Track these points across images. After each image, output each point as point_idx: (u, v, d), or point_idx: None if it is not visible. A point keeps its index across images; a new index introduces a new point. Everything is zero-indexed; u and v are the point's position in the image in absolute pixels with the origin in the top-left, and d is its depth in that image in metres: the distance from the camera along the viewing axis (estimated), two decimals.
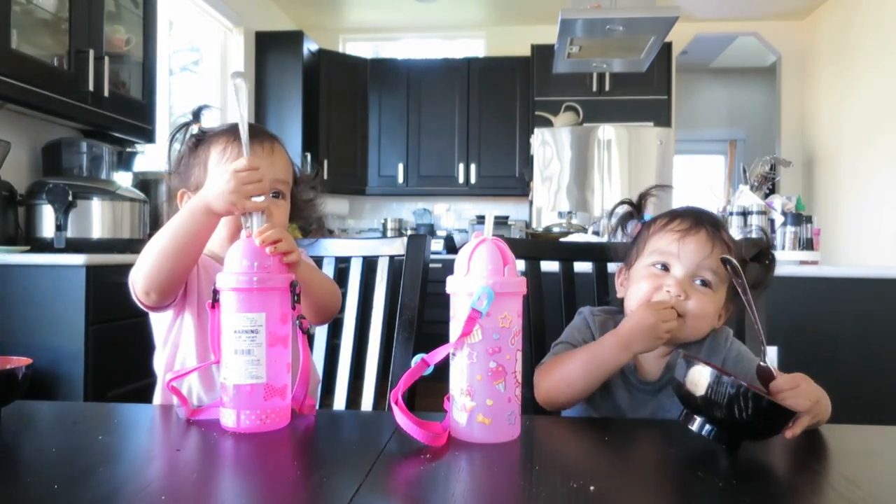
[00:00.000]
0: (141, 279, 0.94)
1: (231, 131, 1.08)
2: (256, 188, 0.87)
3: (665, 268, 1.02)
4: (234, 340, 0.81)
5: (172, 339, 1.05)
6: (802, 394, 0.80)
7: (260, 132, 1.09)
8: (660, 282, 1.01)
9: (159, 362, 1.07)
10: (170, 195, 1.11)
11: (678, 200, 1.17)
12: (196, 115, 1.10)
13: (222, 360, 0.82)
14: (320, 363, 1.28)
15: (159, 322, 1.08)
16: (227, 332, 0.82)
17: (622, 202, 1.15)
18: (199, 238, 0.93)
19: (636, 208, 1.14)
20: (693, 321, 1.00)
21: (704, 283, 1.01)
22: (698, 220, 1.04)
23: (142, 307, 0.98)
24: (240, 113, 0.87)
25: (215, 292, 0.83)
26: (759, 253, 1.09)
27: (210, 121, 1.13)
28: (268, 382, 0.81)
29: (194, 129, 1.10)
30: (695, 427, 0.76)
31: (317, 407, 1.23)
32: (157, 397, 1.07)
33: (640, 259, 1.06)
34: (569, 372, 0.99)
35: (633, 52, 3.50)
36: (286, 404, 0.84)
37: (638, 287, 1.02)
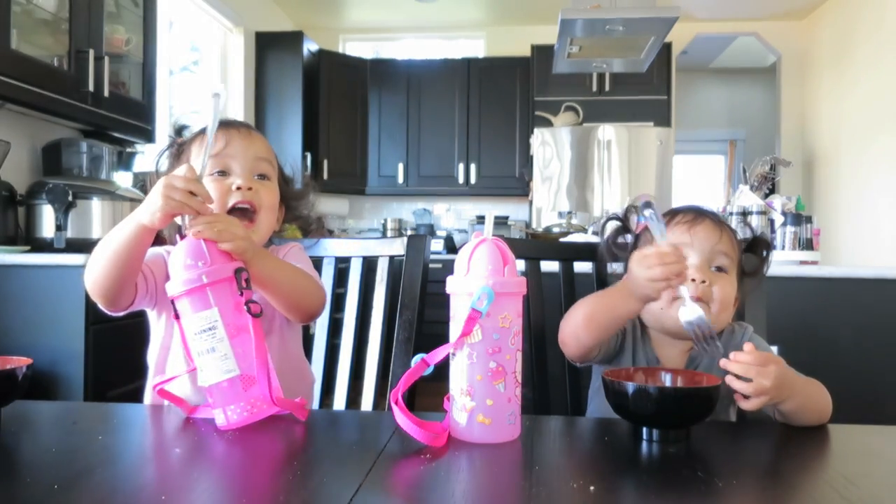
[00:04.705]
0: (87, 283, 0.94)
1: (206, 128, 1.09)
2: (183, 197, 0.84)
3: None
4: (198, 342, 0.81)
5: (161, 342, 1.06)
6: (762, 374, 0.81)
7: (235, 122, 1.10)
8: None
9: (150, 359, 1.08)
10: None
11: (678, 201, 1.18)
12: (178, 132, 1.12)
13: (196, 365, 0.83)
14: (320, 363, 1.28)
15: (151, 317, 1.09)
16: (190, 336, 0.82)
17: (609, 218, 1.16)
18: (134, 251, 0.91)
19: (624, 222, 1.15)
20: (719, 308, 1.01)
21: (719, 269, 1.03)
22: (699, 212, 1.07)
23: (102, 310, 0.99)
24: (212, 125, 0.87)
25: (172, 303, 0.83)
26: (755, 242, 1.13)
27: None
28: (242, 373, 0.81)
29: (177, 142, 1.12)
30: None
31: (315, 406, 1.23)
32: (147, 397, 1.08)
33: None
34: (583, 312, 0.99)
35: (633, 52, 3.50)
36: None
37: None
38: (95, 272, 0.92)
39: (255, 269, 0.88)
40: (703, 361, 1.03)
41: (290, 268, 1.02)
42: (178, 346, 1.05)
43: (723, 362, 0.84)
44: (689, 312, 0.91)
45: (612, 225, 1.16)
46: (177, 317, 0.84)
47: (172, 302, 0.83)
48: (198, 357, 0.82)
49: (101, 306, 0.97)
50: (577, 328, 0.99)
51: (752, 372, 0.82)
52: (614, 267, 1.16)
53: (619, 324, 0.97)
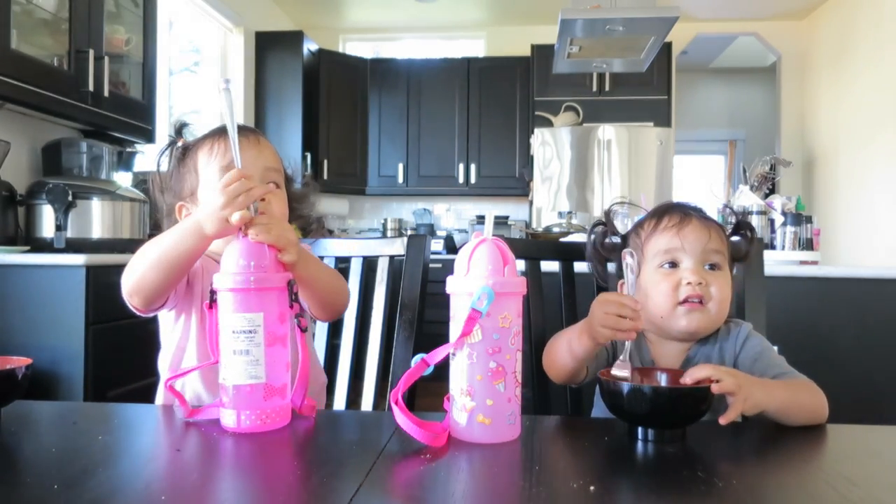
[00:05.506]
0: (127, 283, 0.95)
1: (215, 133, 1.09)
2: (247, 200, 0.85)
3: (673, 265, 1.04)
4: (233, 341, 0.81)
5: (178, 342, 1.06)
6: (717, 373, 0.81)
7: (243, 128, 1.10)
8: (676, 277, 1.02)
9: (163, 363, 1.07)
10: (165, 212, 1.12)
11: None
12: (178, 131, 1.12)
13: (221, 360, 0.82)
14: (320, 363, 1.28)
15: (164, 321, 1.08)
16: (224, 332, 0.81)
17: (597, 224, 1.16)
18: (188, 257, 0.92)
19: (607, 225, 1.15)
20: (717, 307, 1.01)
21: (713, 267, 1.03)
22: (685, 212, 1.07)
23: (131, 308, 0.99)
24: (230, 120, 0.86)
25: (212, 293, 0.83)
26: (738, 226, 1.15)
27: (193, 134, 1.14)
28: (267, 382, 0.81)
29: (179, 143, 1.11)
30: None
31: (321, 407, 1.23)
32: (159, 398, 1.08)
33: (644, 266, 1.06)
34: (549, 349, 1.03)
35: (633, 52, 3.50)
36: (286, 404, 0.84)
37: (657, 290, 1.02)
38: (143, 273, 0.93)
39: (299, 270, 0.88)
40: (700, 362, 1.03)
41: (327, 268, 1.04)
42: (193, 347, 1.04)
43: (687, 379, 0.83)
44: (620, 370, 0.89)
45: (599, 228, 1.16)
46: (209, 307, 0.84)
47: (213, 293, 0.83)
48: (228, 355, 0.81)
49: (134, 307, 0.97)
50: (548, 363, 1.03)
51: (707, 370, 0.82)
52: (611, 268, 1.16)
53: (578, 360, 0.97)
